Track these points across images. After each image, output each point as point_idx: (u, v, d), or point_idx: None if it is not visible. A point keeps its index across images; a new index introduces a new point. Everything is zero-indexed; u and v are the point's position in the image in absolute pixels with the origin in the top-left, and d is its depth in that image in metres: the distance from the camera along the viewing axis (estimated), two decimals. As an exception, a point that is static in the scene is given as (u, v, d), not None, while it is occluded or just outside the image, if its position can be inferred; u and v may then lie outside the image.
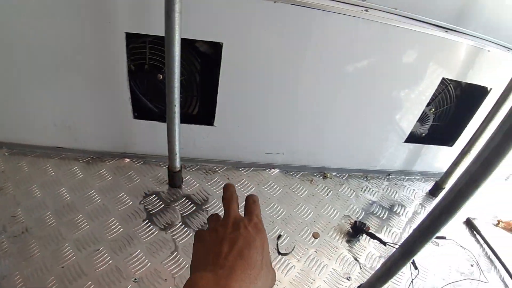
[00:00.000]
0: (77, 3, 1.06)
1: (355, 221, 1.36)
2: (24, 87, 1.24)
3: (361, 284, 1.15)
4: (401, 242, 0.97)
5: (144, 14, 1.09)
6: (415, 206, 1.62)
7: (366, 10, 1.21)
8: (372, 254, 1.31)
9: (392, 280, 1.23)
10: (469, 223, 1.63)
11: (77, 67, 1.20)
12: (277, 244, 1.24)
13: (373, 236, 1.31)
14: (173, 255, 1.14)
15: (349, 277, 1.22)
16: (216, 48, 1.18)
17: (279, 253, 1.21)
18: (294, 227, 1.32)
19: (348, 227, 1.37)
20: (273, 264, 1.15)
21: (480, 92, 1.54)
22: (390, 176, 1.71)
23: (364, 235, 1.34)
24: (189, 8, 1.08)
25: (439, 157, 1.70)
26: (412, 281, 1.24)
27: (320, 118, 1.43)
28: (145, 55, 1.21)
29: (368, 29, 1.22)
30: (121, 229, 1.20)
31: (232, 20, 1.13)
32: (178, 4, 0.94)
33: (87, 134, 1.38)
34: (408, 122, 1.52)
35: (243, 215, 0.50)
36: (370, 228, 1.36)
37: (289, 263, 1.20)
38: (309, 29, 1.18)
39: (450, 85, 1.51)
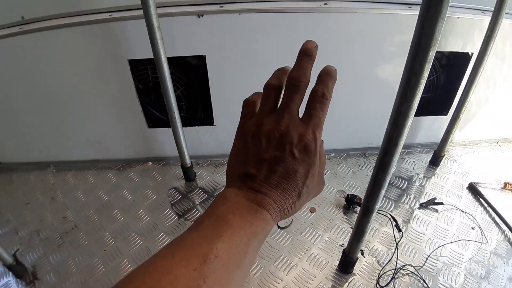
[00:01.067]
0: (86, 48, 1.37)
1: (348, 194, 1.49)
2: (62, 114, 1.57)
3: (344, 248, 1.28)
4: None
5: (140, 43, 1.35)
6: (414, 176, 1.69)
7: (325, 4, 1.36)
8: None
9: (379, 240, 1.36)
10: (472, 188, 1.66)
11: (98, 93, 1.50)
12: (276, 220, 1.42)
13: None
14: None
15: (343, 244, 1.36)
16: (201, 60, 1.41)
17: (279, 227, 1.39)
18: (292, 204, 1.49)
19: (343, 200, 1.50)
20: (273, 236, 1.34)
21: (463, 59, 1.59)
22: (389, 151, 1.80)
23: (357, 207, 1.46)
24: (174, 31, 1.33)
25: (436, 127, 1.75)
26: (396, 244, 1.34)
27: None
28: (148, 75, 1.47)
29: (333, 19, 1.36)
30: (148, 218, 1.47)
31: (209, 35, 1.36)
32: (158, 33, 1.19)
33: (115, 146, 1.69)
34: (391, 97, 1.60)
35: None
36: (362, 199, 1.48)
37: (287, 235, 1.37)
38: (277, 30, 1.36)
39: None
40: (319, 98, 0.38)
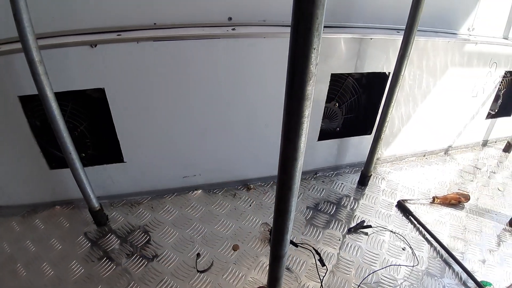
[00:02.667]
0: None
1: (271, 227, 1.40)
2: None
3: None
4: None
5: (30, 77, 1.19)
6: (343, 198, 1.65)
7: (233, 29, 1.29)
8: (292, 256, 1.35)
9: (306, 275, 1.29)
10: (400, 206, 1.65)
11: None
12: (196, 263, 1.29)
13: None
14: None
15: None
16: (101, 93, 1.27)
17: (198, 271, 1.27)
18: (214, 243, 1.37)
19: (268, 234, 1.41)
20: (191, 282, 1.22)
21: (380, 78, 1.59)
22: (318, 175, 1.76)
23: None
24: (67, 63, 1.19)
25: (362, 147, 1.74)
26: (321, 280, 1.27)
27: (225, 133, 1.49)
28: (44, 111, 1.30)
29: (241, 44, 1.29)
30: (52, 272, 1.28)
31: (106, 66, 1.23)
32: (40, 67, 1.04)
33: (17, 191, 1.49)
34: (314, 121, 1.57)
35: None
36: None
37: (207, 279, 1.25)
38: (179, 58, 1.27)
39: (349, 78, 1.56)
40: None
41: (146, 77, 1.28)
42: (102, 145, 1.41)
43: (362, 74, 1.58)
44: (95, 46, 1.20)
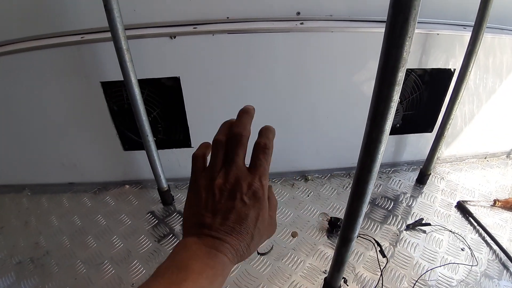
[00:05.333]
0: (58, 70, 1.33)
1: (331, 217, 1.43)
2: (35, 137, 1.51)
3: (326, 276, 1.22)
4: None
5: (112, 65, 1.30)
6: (401, 196, 1.64)
7: (302, 23, 1.33)
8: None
9: (364, 266, 1.30)
10: (460, 207, 1.61)
11: (71, 115, 1.45)
12: (256, 246, 1.35)
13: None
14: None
15: (326, 270, 1.29)
16: (175, 81, 1.37)
17: (258, 253, 1.33)
18: (273, 228, 1.42)
19: (326, 223, 1.44)
20: (252, 263, 1.28)
21: (445, 75, 1.56)
22: (374, 170, 1.75)
23: (341, 229, 1.40)
24: (147, 53, 1.30)
25: (421, 144, 1.72)
26: (381, 270, 1.28)
27: (286, 124, 1.54)
28: (122, 97, 1.43)
29: (310, 39, 1.34)
30: (122, 245, 1.41)
31: (183, 57, 1.32)
32: (127, 55, 1.15)
33: (91, 169, 1.63)
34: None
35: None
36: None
37: (267, 262, 1.31)
38: (251, 51, 1.33)
39: (412, 73, 1.55)
40: (262, 149, 0.44)
41: (219, 68, 1.35)
42: (172, 130, 1.51)
43: (425, 70, 1.56)
44: (174, 38, 1.29)
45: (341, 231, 0.96)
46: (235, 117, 0.48)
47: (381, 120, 0.72)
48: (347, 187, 1.66)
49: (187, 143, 1.52)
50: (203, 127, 1.48)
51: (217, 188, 0.41)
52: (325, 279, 1.15)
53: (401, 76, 0.67)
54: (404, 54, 0.65)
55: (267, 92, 1.44)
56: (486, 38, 1.58)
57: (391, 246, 1.40)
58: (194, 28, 1.32)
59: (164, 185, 1.49)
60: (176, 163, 1.57)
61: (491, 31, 1.60)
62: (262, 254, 1.32)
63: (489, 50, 1.62)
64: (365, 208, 0.88)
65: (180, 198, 1.57)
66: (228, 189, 0.41)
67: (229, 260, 0.39)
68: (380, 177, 1.73)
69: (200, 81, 1.38)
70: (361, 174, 0.81)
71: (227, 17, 1.35)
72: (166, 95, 1.43)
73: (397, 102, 0.71)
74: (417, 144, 1.74)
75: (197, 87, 1.39)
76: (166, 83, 1.40)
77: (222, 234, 0.39)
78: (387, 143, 1.71)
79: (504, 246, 1.44)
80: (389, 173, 1.76)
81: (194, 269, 0.36)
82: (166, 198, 1.53)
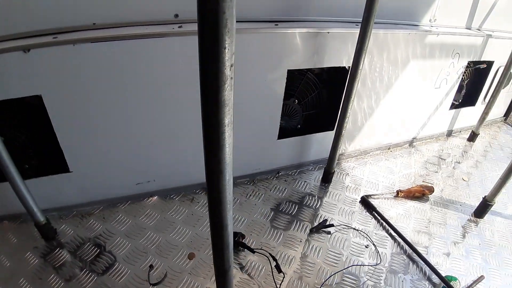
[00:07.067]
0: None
1: (230, 232, 1.35)
2: None
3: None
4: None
5: None
6: (306, 197, 1.62)
7: (180, 27, 1.21)
8: (252, 262, 1.31)
9: (265, 281, 1.25)
10: (364, 202, 1.63)
11: None
12: (148, 275, 1.23)
13: (243, 245, 1.31)
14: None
15: (225, 291, 1.21)
16: (38, 100, 1.18)
17: (150, 284, 1.21)
18: (168, 253, 1.31)
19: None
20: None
21: (341, 73, 1.54)
22: (280, 174, 1.71)
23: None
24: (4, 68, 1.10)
25: (326, 143, 1.70)
26: (279, 286, 1.24)
27: (176, 136, 1.42)
28: None
29: (190, 42, 1.23)
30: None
31: (42, 72, 1.14)
32: None
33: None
34: (273, 119, 1.52)
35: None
36: (246, 237, 1.36)
37: (160, 292, 1.19)
38: (126, 58, 1.19)
39: (308, 74, 1.51)
40: None
41: (85, 82, 1.19)
42: (45, 155, 1.32)
43: (322, 69, 1.54)
44: (28, 51, 1.10)
45: (214, 264, 0.88)
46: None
47: (216, 149, 0.62)
48: (250, 195, 1.59)
49: (64, 168, 1.34)
50: (79, 148, 1.31)
51: None
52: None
53: (227, 96, 0.57)
54: (224, 69, 0.54)
55: (147, 103, 1.31)
56: (378, 34, 1.59)
57: (294, 255, 1.36)
58: (54, 38, 1.13)
59: (40, 218, 1.30)
60: (56, 191, 1.38)
61: (384, 27, 1.62)
62: (154, 285, 1.21)
63: (383, 45, 1.63)
64: (229, 238, 0.80)
65: (65, 230, 1.39)
66: None
67: None
68: (285, 181, 1.69)
69: (66, 98, 1.20)
70: (213, 208, 0.72)
71: (94, 23, 1.19)
72: (29, 117, 1.23)
73: (230, 125, 0.62)
74: (322, 142, 1.73)
75: (63, 105, 1.21)
76: (29, 102, 1.20)
77: None
78: (290, 145, 1.68)
79: (409, 238, 1.47)
80: (294, 175, 1.73)
81: None
82: (46, 232, 1.34)
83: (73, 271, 1.25)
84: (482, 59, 2.17)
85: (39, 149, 1.31)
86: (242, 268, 1.29)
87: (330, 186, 1.69)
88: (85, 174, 1.37)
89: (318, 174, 1.73)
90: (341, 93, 1.60)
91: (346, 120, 1.48)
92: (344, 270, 1.33)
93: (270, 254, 1.30)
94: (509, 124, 2.88)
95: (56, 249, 1.33)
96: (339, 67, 1.54)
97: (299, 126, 1.63)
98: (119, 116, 1.29)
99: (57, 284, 1.21)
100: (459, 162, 2.17)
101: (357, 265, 1.36)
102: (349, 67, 1.54)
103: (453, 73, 2.09)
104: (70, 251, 1.32)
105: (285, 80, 1.43)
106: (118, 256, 1.29)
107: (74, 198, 1.42)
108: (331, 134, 1.70)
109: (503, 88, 2.27)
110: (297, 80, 1.49)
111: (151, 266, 1.26)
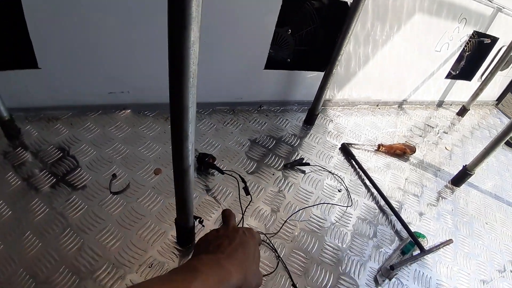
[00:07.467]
0: None
1: (199, 153, 1.31)
2: None
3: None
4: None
5: None
6: (285, 135, 1.57)
7: None
8: (220, 186, 1.27)
9: (232, 204, 1.21)
10: (344, 149, 1.59)
11: None
12: (110, 183, 1.18)
13: (212, 166, 1.26)
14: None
15: (188, 209, 1.17)
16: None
17: (111, 192, 1.16)
18: (134, 165, 1.26)
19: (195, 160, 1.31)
20: (101, 203, 1.12)
21: (341, 9, 1.45)
22: (262, 108, 1.65)
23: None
24: None
25: (315, 84, 1.63)
26: (243, 209, 1.21)
27: (158, 45, 1.33)
28: None
29: None
30: None
31: None
32: None
33: None
34: (261, 46, 1.42)
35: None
36: (216, 159, 1.31)
37: (120, 201, 1.14)
38: None
39: (307, 3, 1.42)
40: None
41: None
42: (12, 46, 1.22)
43: (322, 2, 1.44)
44: None
45: (172, 157, 0.82)
46: None
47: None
48: (228, 123, 1.53)
49: (33, 63, 1.24)
50: (51, 42, 1.19)
51: (222, 229, 0.64)
52: (175, 219, 1.03)
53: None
54: None
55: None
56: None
57: (264, 186, 1.32)
58: None
59: (4, 113, 1.22)
60: (22, 89, 1.29)
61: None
62: (115, 193, 1.16)
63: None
64: (190, 127, 0.74)
65: (29, 131, 1.31)
66: (230, 228, 0.63)
67: (235, 271, 0.51)
68: (266, 115, 1.63)
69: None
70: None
71: None
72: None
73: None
74: (310, 83, 1.65)
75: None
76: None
77: (229, 251, 0.55)
78: (277, 79, 1.59)
79: (384, 191, 1.45)
80: (277, 112, 1.67)
81: (203, 272, 0.47)
82: (9, 130, 1.26)
83: (32, 170, 1.19)
84: (488, 33, 2.09)
85: (7, 38, 1.20)
86: (208, 190, 1.25)
87: (312, 128, 1.64)
88: (55, 74, 1.27)
89: (302, 116, 1.67)
90: (338, 32, 1.51)
91: (339, 58, 1.40)
92: (312, 208, 1.31)
93: (240, 176, 1.26)
94: (499, 110, 2.86)
95: (18, 148, 1.26)
96: (340, 1, 1.44)
97: (289, 60, 1.55)
98: (100, 12, 1.18)
99: (14, 181, 1.15)
100: (445, 132, 2.14)
101: (327, 203, 1.34)
102: (350, 3, 1.44)
103: (456, 39, 2.01)
104: (32, 152, 1.25)
105: (280, 5, 1.33)
106: (81, 161, 1.23)
107: (42, 99, 1.34)
108: (321, 76, 1.63)
109: (500, 70, 2.21)
110: (293, 9, 1.39)
111: (114, 175, 1.21)
